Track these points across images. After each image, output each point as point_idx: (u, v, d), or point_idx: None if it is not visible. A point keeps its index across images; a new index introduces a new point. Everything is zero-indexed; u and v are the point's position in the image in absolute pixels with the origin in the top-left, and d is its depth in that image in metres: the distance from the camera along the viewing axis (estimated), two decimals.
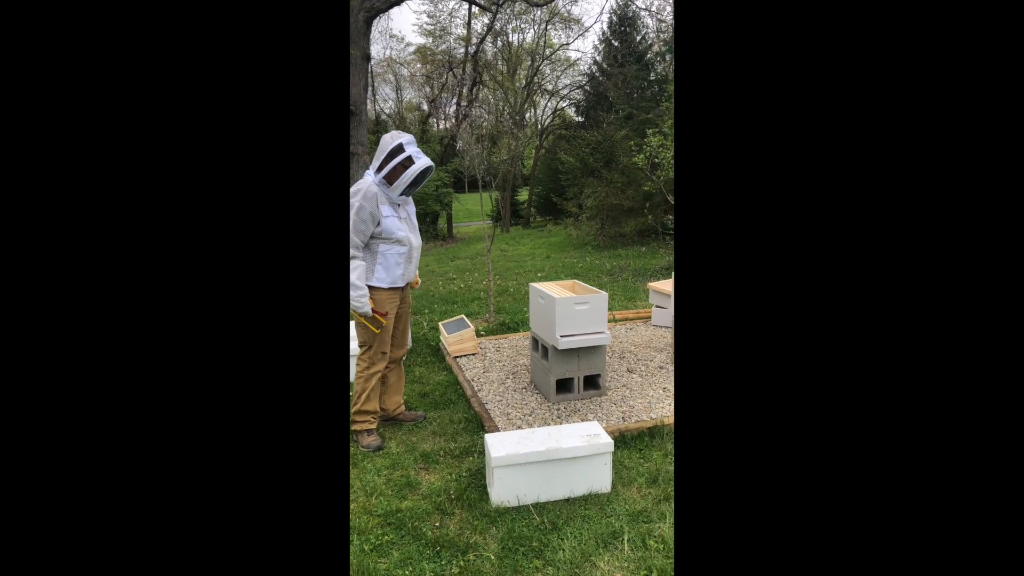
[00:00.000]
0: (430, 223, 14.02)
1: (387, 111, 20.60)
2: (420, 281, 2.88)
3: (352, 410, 2.48)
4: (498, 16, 13.50)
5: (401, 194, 2.44)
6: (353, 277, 2.37)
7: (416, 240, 2.56)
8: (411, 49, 19.04)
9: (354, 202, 2.35)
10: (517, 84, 16.70)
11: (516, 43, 16.52)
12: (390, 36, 22.08)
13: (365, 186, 2.38)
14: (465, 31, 15.11)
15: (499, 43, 16.03)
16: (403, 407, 2.75)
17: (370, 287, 2.45)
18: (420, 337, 4.13)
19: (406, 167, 2.37)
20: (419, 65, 18.84)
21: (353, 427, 2.49)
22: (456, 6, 15.37)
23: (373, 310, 2.43)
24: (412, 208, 2.60)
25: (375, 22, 9.93)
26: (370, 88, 14.49)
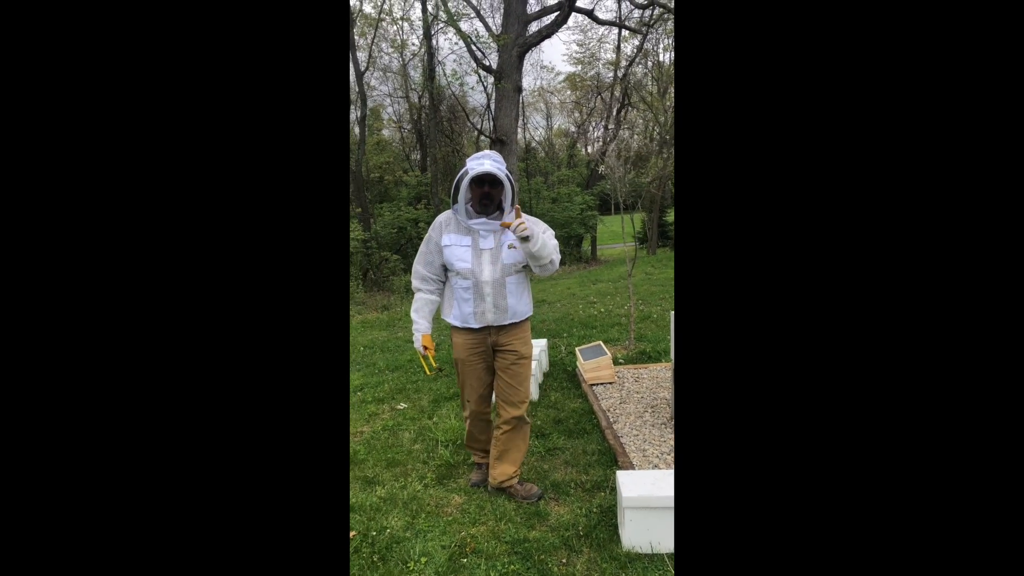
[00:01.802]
0: (574, 246, 14.13)
1: (538, 139, 21.39)
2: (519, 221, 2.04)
3: None
4: (648, 37, 13.33)
5: (478, 216, 2.12)
6: (412, 310, 2.27)
7: (489, 273, 2.11)
8: (560, 78, 19.63)
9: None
10: (667, 103, 16.28)
11: (667, 61, 16.15)
12: (541, 67, 22.98)
13: (440, 216, 2.23)
14: (614, 55, 15.15)
15: (649, 63, 15.80)
16: (515, 479, 2.29)
17: (451, 326, 2.25)
18: (557, 361, 4.13)
19: (462, 180, 2.09)
20: (569, 92, 19.31)
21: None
22: (606, 32, 15.52)
23: (425, 347, 2.23)
24: (512, 236, 2.12)
25: (527, 56, 10.43)
26: (521, 118, 15.18)
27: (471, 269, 2.13)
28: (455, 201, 2.14)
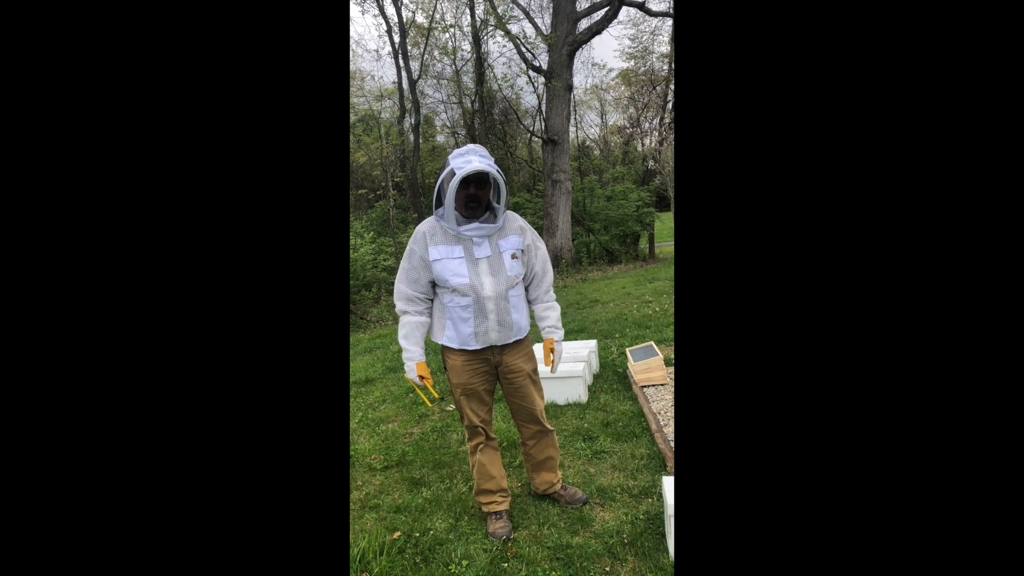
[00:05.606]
0: (630, 244, 13.83)
1: (592, 137, 21.14)
2: (554, 359, 2.07)
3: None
4: None
5: (467, 221, 1.89)
6: (399, 336, 2.00)
7: (491, 287, 1.88)
8: (613, 74, 19.29)
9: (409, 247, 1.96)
10: None
11: None
12: (592, 65, 22.60)
13: (421, 226, 1.97)
14: (669, 47, 14.73)
15: None
16: (558, 485, 2.22)
17: (444, 347, 2.02)
18: (608, 363, 4.04)
19: (448, 182, 1.82)
20: (623, 88, 18.95)
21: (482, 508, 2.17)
22: (659, 23, 15.09)
23: (421, 377, 1.97)
24: (512, 241, 1.94)
25: (577, 54, 10.31)
26: (573, 116, 15.02)
27: (470, 284, 1.88)
28: (439, 205, 1.89)
